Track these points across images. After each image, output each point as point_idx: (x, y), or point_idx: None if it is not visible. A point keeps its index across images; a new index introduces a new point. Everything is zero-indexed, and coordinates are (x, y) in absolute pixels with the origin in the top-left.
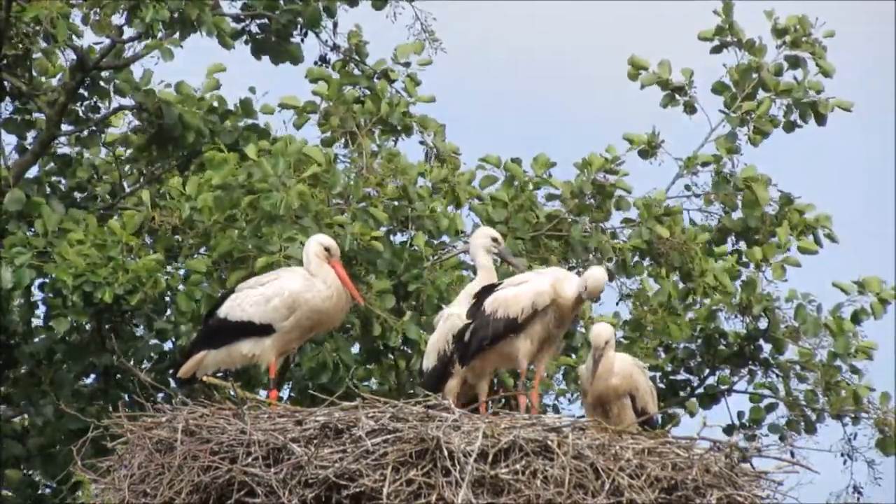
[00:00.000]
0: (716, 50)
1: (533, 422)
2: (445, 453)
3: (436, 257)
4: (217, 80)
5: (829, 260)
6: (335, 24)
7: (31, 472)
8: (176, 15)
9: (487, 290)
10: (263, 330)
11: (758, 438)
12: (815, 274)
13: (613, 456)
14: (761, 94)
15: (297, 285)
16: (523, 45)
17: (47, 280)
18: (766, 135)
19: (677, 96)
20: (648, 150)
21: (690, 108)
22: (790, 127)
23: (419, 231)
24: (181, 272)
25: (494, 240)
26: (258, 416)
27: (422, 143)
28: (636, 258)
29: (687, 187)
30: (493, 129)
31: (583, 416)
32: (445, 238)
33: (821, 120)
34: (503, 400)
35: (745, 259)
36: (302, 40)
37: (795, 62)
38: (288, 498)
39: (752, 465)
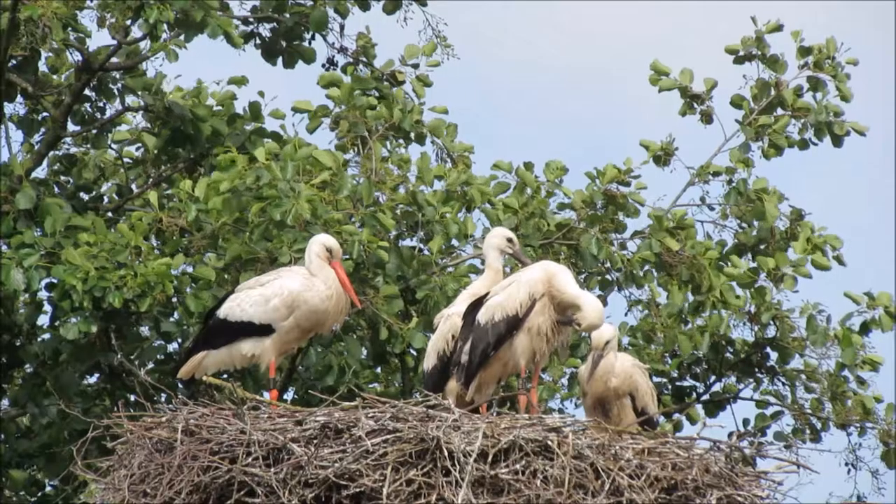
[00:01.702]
0: (738, 61)
1: (533, 422)
2: (445, 453)
3: (444, 261)
4: (233, 92)
5: (833, 276)
6: (342, 27)
7: (34, 472)
8: (181, 16)
9: (474, 306)
10: (263, 330)
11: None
12: (821, 287)
13: (613, 456)
14: (779, 110)
15: (297, 285)
16: (534, 45)
17: (55, 281)
18: (780, 150)
19: (695, 104)
20: (664, 157)
21: (707, 118)
22: (804, 145)
23: (435, 238)
24: (189, 277)
25: (510, 240)
26: (258, 416)
27: (433, 142)
28: (645, 269)
29: (703, 199)
30: (503, 128)
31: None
32: (455, 242)
33: (837, 142)
34: (507, 402)
35: (756, 267)
36: (309, 43)
37: (816, 84)
38: (288, 498)
39: (753, 466)
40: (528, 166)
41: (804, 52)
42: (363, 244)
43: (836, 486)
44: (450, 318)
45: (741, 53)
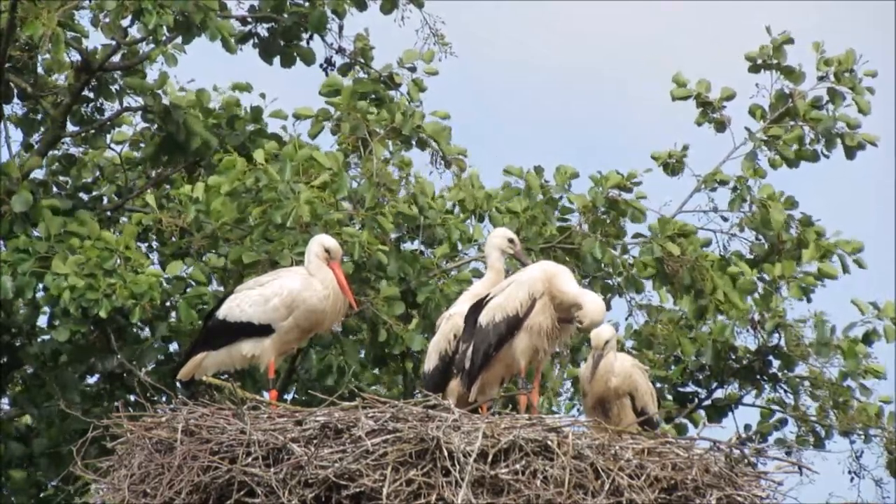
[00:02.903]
0: (754, 69)
1: (533, 422)
2: (445, 453)
3: (447, 265)
4: (237, 98)
5: (838, 283)
6: (341, 28)
7: (36, 474)
8: (180, 18)
9: (475, 309)
10: (263, 330)
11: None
12: (823, 296)
13: (613, 456)
14: (796, 120)
15: (296, 284)
16: (526, 45)
17: (48, 287)
18: (789, 162)
19: (710, 113)
20: (676, 166)
21: (720, 126)
22: (815, 157)
23: (442, 244)
24: (181, 283)
25: (511, 241)
26: (258, 416)
27: (428, 146)
28: (649, 276)
29: (715, 209)
30: (495, 128)
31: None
32: (458, 245)
33: (850, 154)
34: (508, 402)
35: (763, 275)
36: (307, 43)
37: (833, 95)
38: (288, 498)
39: (753, 466)
40: (539, 171)
41: (825, 63)
42: (363, 245)
43: (838, 489)
44: (451, 318)
45: (759, 62)
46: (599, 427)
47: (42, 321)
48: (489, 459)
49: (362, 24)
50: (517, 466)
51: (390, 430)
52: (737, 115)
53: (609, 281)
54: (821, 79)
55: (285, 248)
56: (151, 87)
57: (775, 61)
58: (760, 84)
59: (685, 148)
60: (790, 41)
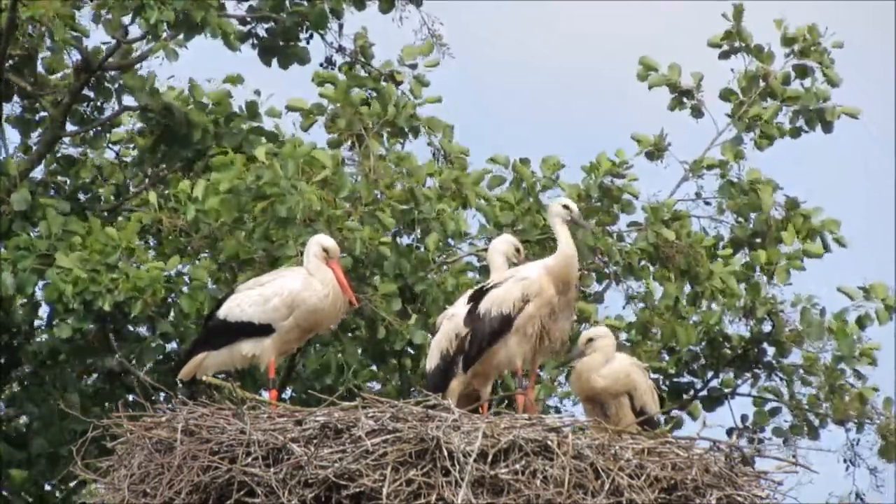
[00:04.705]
0: (724, 55)
1: (534, 422)
2: (445, 453)
3: (442, 258)
4: (229, 91)
5: (833, 265)
6: (341, 26)
7: (35, 476)
8: (181, 16)
9: (479, 293)
10: (263, 330)
11: (758, 442)
12: (818, 278)
13: (613, 456)
14: (768, 100)
15: (296, 284)
16: (526, 45)
17: (49, 283)
18: (772, 140)
19: (685, 99)
20: (655, 152)
21: (697, 112)
22: (796, 133)
23: (431, 233)
24: (185, 277)
25: (517, 250)
26: (258, 416)
27: (429, 144)
28: (642, 262)
29: (698, 195)
30: (495, 128)
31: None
32: (450, 240)
33: (827, 127)
34: (505, 401)
35: (750, 262)
36: (307, 42)
37: (803, 71)
38: (288, 498)
39: (752, 465)
40: (525, 162)
41: (788, 41)
42: (365, 241)
43: (836, 485)
44: (453, 318)
45: (725, 48)
46: (599, 427)
47: (42, 319)
48: (489, 459)
49: (361, 24)
50: (517, 466)
51: (390, 430)
52: (713, 100)
53: (605, 270)
54: (788, 55)
55: (290, 240)
56: (149, 84)
57: (741, 44)
58: (735, 69)
59: (664, 134)
60: (741, 11)
